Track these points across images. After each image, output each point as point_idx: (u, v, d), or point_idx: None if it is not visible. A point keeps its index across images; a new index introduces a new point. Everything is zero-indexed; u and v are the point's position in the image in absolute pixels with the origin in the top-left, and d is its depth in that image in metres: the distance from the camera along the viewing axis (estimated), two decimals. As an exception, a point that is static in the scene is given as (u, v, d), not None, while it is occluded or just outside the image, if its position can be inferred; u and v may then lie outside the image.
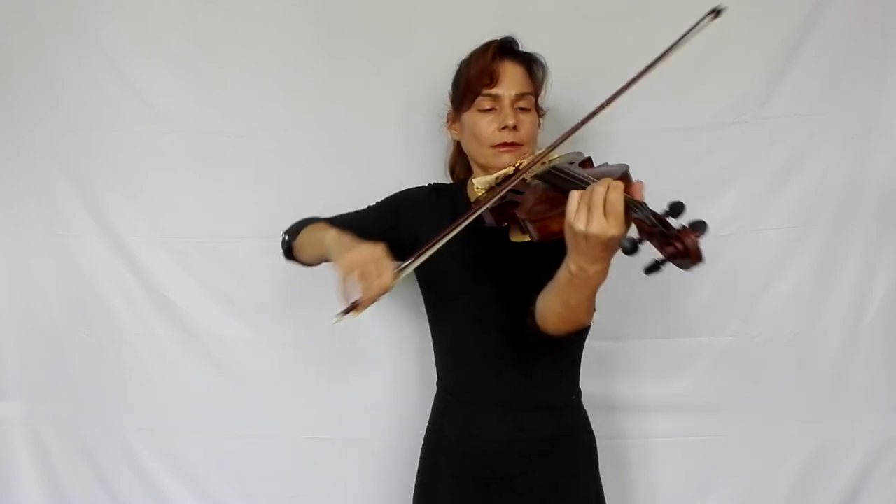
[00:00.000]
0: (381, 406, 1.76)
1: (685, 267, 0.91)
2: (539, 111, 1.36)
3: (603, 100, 1.64)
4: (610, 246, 0.97)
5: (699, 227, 0.91)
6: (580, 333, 1.18)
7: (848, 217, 1.68)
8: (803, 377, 1.73)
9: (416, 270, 1.41)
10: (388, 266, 1.09)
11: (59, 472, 1.85)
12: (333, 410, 1.77)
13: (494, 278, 1.29)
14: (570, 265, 1.01)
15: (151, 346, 1.79)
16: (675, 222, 0.93)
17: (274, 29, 1.69)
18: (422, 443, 1.44)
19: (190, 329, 1.78)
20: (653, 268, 0.92)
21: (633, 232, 0.97)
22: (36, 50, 1.73)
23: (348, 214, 1.44)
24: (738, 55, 1.66)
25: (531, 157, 1.24)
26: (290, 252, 1.42)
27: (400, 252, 1.36)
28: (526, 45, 1.65)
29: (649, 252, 0.94)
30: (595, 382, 1.71)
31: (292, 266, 1.68)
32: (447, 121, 1.40)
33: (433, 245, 1.14)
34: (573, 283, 1.04)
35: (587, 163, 1.25)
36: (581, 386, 1.39)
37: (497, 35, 1.36)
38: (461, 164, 1.46)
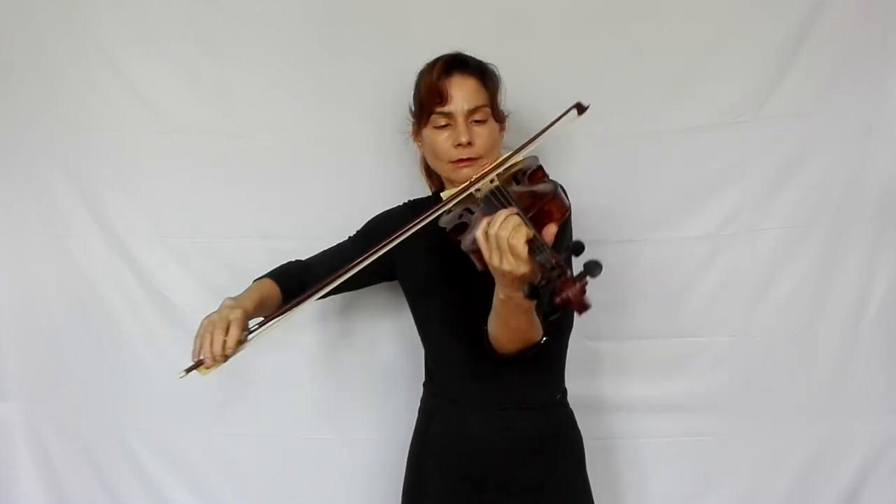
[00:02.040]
0: (381, 406, 1.76)
1: (577, 313, 0.93)
2: (498, 118, 1.36)
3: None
4: (525, 279, 1.00)
5: (591, 269, 0.93)
6: (535, 349, 1.19)
7: (848, 217, 1.68)
8: (803, 377, 1.73)
9: (400, 283, 1.43)
10: (237, 328, 1.14)
11: (59, 472, 1.85)
12: (334, 410, 1.77)
13: (467, 285, 1.29)
14: (499, 293, 1.08)
15: (151, 346, 1.79)
16: (575, 262, 0.96)
17: (274, 29, 1.69)
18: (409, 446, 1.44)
19: (190, 329, 1.74)
20: (549, 314, 0.98)
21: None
22: (36, 50, 1.73)
23: (329, 250, 1.45)
24: (738, 55, 1.66)
25: (484, 170, 1.24)
26: None
27: (386, 269, 1.41)
28: (526, 45, 1.66)
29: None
30: (596, 383, 1.73)
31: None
32: (412, 133, 1.41)
33: (285, 311, 1.20)
34: (507, 309, 1.10)
35: (538, 172, 1.23)
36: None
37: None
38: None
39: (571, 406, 1.42)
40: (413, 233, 1.19)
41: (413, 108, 1.38)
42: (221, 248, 1.76)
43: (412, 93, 1.39)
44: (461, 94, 1.29)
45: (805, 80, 1.64)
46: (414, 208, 1.45)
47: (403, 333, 1.70)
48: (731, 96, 1.66)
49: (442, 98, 1.29)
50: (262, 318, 1.23)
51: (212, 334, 1.15)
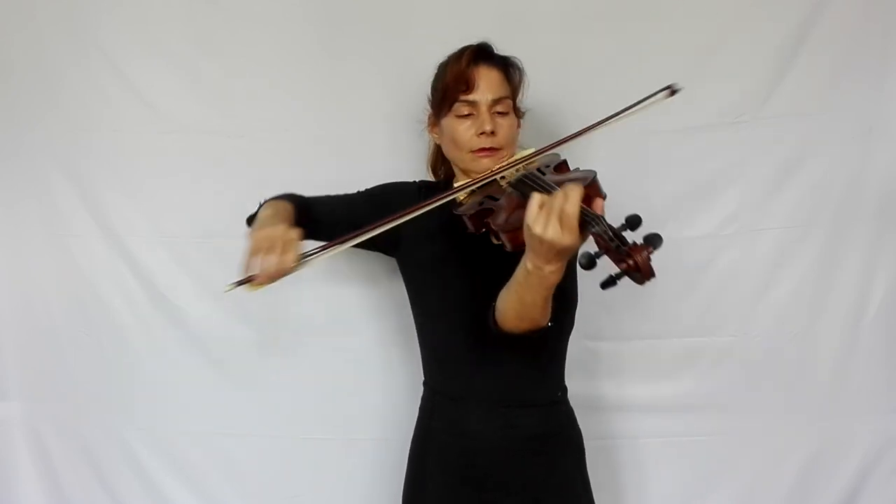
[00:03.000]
0: (380, 405, 1.76)
1: (639, 282, 0.93)
2: (518, 113, 1.37)
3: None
4: (564, 253, 0.99)
5: (653, 241, 0.93)
6: (537, 333, 1.17)
7: (848, 217, 1.68)
8: (803, 377, 1.73)
9: (401, 269, 1.42)
10: (294, 249, 1.10)
11: (59, 472, 1.84)
12: (333, 410, 1.77)
13: (475, 277, 1.30)
14: (528, 263, 1.04)
15: (151, 346, 1.79)
16: (630, 236, 0.95)
17: (274, 29, 1.69)
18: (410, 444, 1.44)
19: (190, 329, 1.78)
20: (608, 282, 0.95)
21: (592, 246, 0.99)
22: (36, 50, 1.73)
23: (334, 197, 1.44)
24: (738, 55, 1.66)
25: (507, 161, 1.25)
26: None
27: (391, 241, 1.39)
28: (526, 45, 1.65)
29: (608, 266, 0.95)
30: (596, 383, 1.73)
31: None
32: (427, 124, 1.41)
33: (348, 240, 1.17)
34: (529, 282, 1.07)
35: (562, 166, 1.24)
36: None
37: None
38: (444, 165, 1.47)
39: (571, 405, 1.42)
40: (426, 212, 1.19)
41: (432, 98, 1.38)
42: (221, 248, 1.75)
43: (430, 84, 1.38)
44: (486, 83, 1.30)
45: (805, 80, 1.65)
46: (427, 189, 1.43)
47: (404, 332, 1.70)
48: (731, 96, 1.66)
49: (468, 86, 1.29)
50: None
51: (268, 251, 1.09)
